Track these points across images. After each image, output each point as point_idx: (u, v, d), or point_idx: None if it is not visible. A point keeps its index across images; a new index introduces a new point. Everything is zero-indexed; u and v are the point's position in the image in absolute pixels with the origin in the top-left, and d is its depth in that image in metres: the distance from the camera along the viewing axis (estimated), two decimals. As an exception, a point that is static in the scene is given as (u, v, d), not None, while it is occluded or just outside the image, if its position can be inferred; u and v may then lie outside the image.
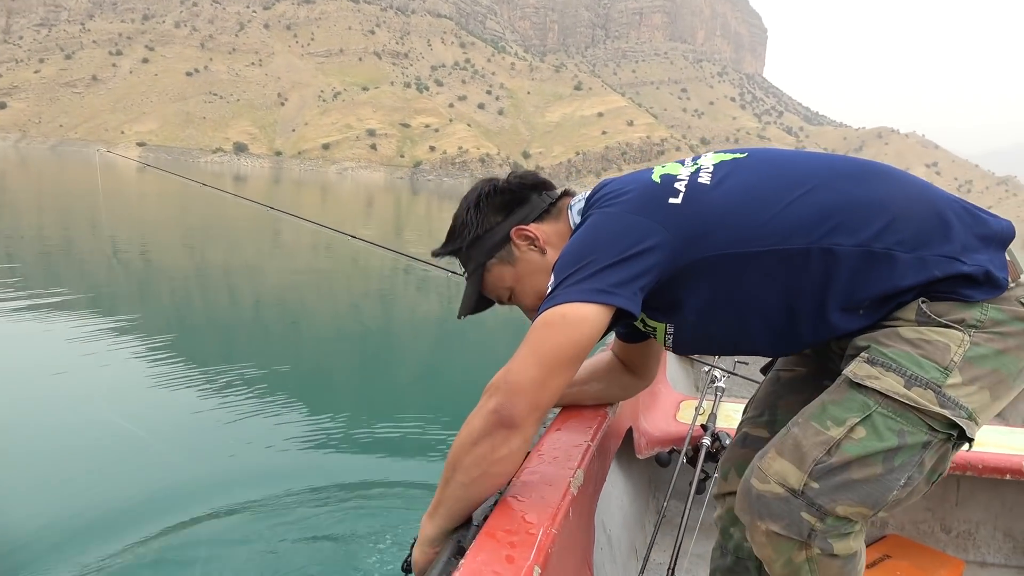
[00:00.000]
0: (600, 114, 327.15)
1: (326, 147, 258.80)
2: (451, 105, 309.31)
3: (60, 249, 10.98)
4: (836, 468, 1.06)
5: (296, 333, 6.70)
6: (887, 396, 1.06)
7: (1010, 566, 2.05)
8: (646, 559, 1.35)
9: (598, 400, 1.57)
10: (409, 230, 20.25)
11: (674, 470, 1.82)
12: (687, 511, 1.40)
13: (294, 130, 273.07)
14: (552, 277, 1.16)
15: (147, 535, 2.58)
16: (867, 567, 1.83)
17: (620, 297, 1.10)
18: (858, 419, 1.07)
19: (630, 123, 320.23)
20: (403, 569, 1.22)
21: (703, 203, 1.14)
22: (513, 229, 1.33)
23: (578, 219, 1.30)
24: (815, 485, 1.06)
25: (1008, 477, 1.86)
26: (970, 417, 1.06)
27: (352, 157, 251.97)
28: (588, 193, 1.33)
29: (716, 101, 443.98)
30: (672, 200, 1.15)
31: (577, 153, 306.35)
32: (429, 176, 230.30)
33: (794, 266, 1.11)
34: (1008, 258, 1.12)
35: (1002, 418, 3.02)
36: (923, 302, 1.09)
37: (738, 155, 1.22)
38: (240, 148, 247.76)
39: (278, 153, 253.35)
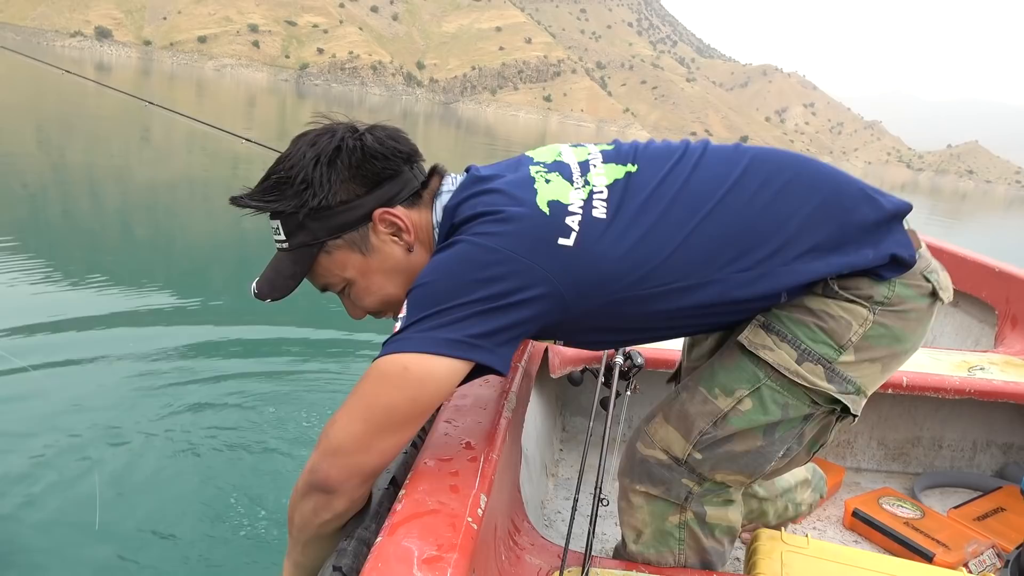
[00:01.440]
0: (498, 28, 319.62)
1: (202, 40, 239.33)
2: (341, 5, 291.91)
3: None
4: (720, 440, 1.06)
5: (169, 237, 6.26)
6: (777, 370, 1.05)
7: (881, 470, 2.27)
8: (579, 479, 1.36)
9: None
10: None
11: (586, 389, 1.82)
12: (607, 430, 1.42)
13: (165, 18, 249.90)
14: (404, 310, 0.98)
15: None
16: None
17: (482, 351, 0.95)
18: (747, 391, 1.06)
19: (528, 40, 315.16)
20: None
21: (597, 248, 0.99)
22: (378, 211, 1.06)
23: (440, 217, 1.08)
24: (698, 456, 1.06)
25: (890, 391, 1.98)
26: (858, 391, 1.07)
27: (232, 54, 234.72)
28: (460, 183, 1.10)
29: (613, 25, 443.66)
30: (563, 241, 0.98)
31: (473, 68, 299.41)
32: (316, 81, 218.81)
33: (696, 294, 1.03)
34: (906, 227, 1.10)
35: None
36: (832, 279, 1.06)
37: (630, 167, 1.07)
38: (103, 34, 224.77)
39: (147, 43, 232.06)
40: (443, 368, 0.93)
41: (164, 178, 9.37)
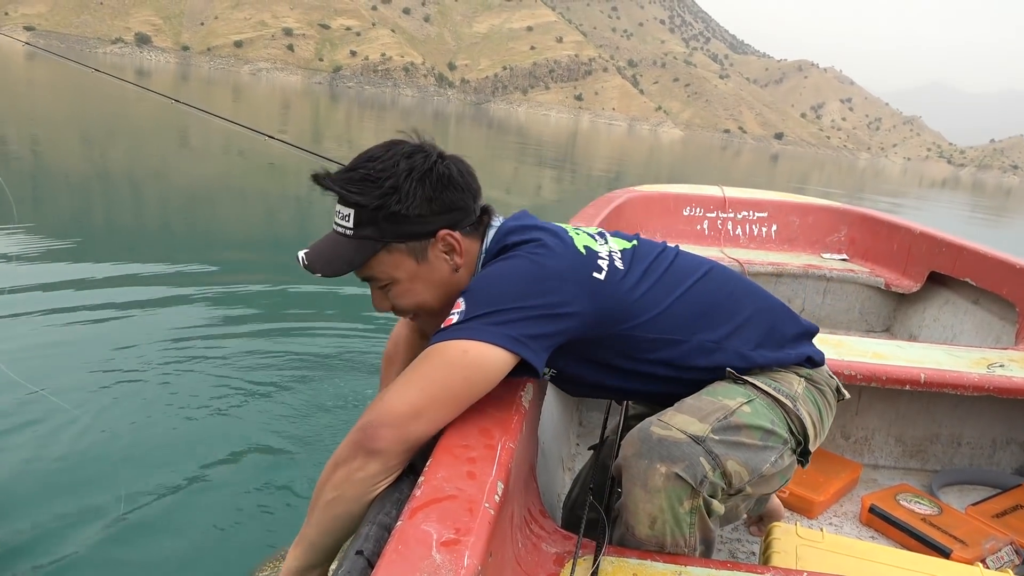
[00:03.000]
0: (529, 28, 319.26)
1: (238, 45, 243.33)
2: (374, 8, 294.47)
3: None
4: (732, 427, 1.16)
5: (207, 240, 6.40)
6: (762, 390, 1.24)
7: (898, 467, 2.27)
8: (594, 469, 1.40)
9: None
10: (329, 138, 19.48)
11: None
12: (622, 422, 1.46)
13: (203, 24, 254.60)
14: (462, 304, 1.12)
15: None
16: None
17: (530, 350, 1.10)
18: (745, 400, 1.21)
19: (559, 40, 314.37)
20: None
21: (618, 287, 1.21)
22: (444, 231, 1.23)
23: (489, 242, 1.28)
24: (715, 436, 1.14)
25: (907, 387, 1.99)
26: (808, 439, 1.27)
27: (267, 57, 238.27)
28: (502, 221, 1.31)
29: (645, 23, 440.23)
30: (596, 275, 1.19)
31: (504, 68, 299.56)
32: (349, 83, 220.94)
33: (674, 349, 1.26)
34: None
35: (911, 336, 3.26)
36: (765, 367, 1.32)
37: (634, 243, 1.33)
38: (143, 40, 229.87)
39: (185, 48, 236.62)
40: (496, 357, 1.07)
41: (201, 174, 9.56)
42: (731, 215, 3.84)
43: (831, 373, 1.40)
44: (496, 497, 0.92)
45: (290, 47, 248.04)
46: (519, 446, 1.12)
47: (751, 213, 3.85)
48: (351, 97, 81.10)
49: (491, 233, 1.29)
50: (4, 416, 2.59)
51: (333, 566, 1.10)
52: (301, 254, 1.22)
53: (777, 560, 1.34)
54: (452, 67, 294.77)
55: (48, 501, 2.17)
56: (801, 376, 1.32)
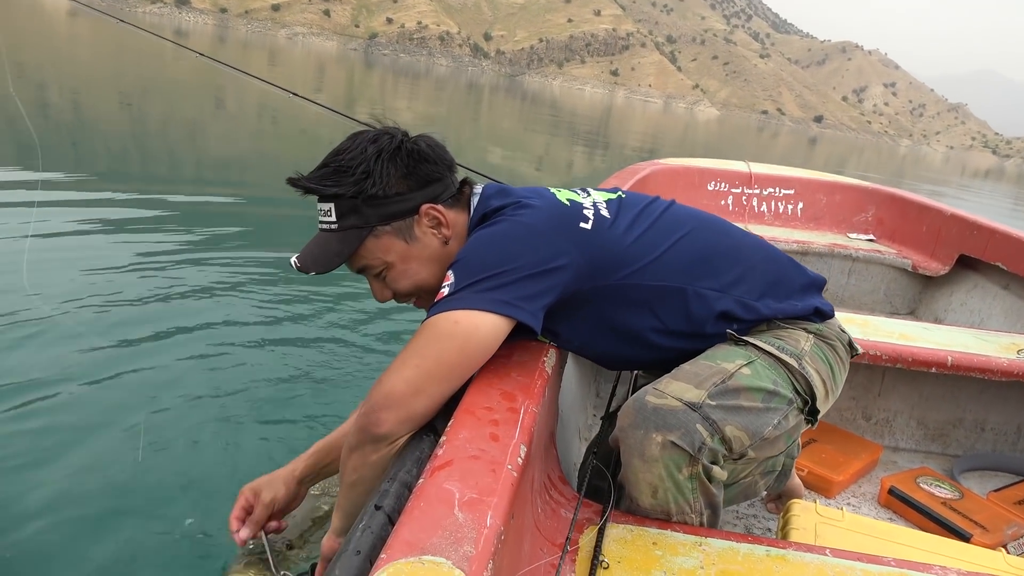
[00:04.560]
0: (567, 0, 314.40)
1: (276, 9, 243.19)
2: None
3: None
4: (731, 391, 1.13)
5: (239, 199, 6.50)
6: (764, 351, 1.21)
7: (919, 451, 2.24)
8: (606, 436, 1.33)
9: None
10: (362, 103, 19.50)
11: None
12: (631, 392, 1.47)
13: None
14: (451, 277, 1.11)
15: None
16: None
17: (525, 311, 1.09)
18: (745, 362, 1.18)
19: (597, 13, 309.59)
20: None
21: (608, 235, 1.19)
22: (426, 205, 1.23)
23: (475, 217, 1.27)
24: (711, 402, 1.12)
25: (933, 370, 1.96)
26: (816, 398, 1.23)
27: (304, 22, 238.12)
28: (482, 188, 1.31)
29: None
30: (583, 225, 1.18)
31: (540, 40, 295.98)
32: (385, 50, 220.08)
33: (675, 299, 1.23)
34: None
35: (937, 320, 3.24)
36: (774, 320, 1.29)
37: (621, 195, 1.32)
38: (181, 1, 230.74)
39: (223, 10, 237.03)
40: (489, 323, 1.07)
41: (237, 141, 9.66)
42: (756, 191, 3.81)
43: (842, 327, 1.36)
44: (519, 460, 0.92)
45: (326, 12, 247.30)
46: (541, 411, 1.11)
47: (777, 190, 3.81)
48: (386, 65, 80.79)
49: (475, 201, 1.28)
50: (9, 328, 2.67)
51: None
52: (293, 259, 1.22)
53: (796, 536, 1.33)
54: (488, 37, 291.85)
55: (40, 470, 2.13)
56: (810, 332, 1.28)
